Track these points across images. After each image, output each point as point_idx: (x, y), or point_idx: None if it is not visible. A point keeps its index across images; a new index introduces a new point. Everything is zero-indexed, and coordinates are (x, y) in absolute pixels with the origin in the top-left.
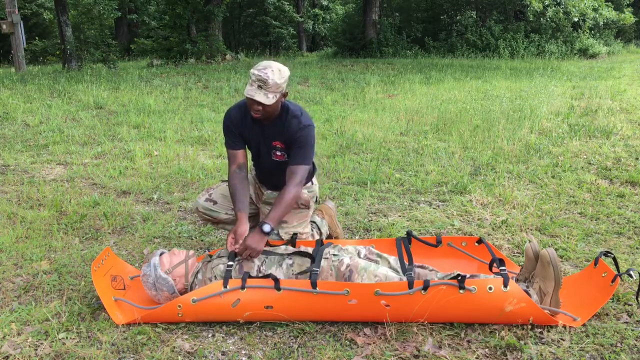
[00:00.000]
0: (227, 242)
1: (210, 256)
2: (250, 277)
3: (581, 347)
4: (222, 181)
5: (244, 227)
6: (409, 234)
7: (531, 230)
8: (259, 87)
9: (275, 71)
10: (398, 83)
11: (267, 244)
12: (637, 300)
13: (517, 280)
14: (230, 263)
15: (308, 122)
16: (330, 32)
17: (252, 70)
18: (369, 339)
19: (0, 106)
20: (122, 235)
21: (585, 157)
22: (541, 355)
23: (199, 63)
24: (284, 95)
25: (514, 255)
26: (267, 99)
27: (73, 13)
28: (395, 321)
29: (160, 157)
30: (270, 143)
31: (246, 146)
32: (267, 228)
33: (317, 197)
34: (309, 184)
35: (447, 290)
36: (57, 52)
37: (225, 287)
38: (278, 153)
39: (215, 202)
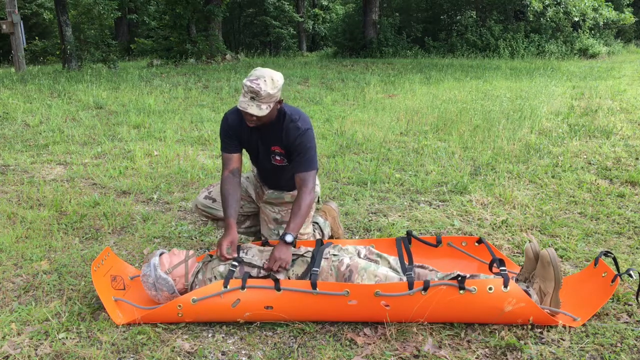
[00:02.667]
0: (221, 250)
1: (211, 256)
2: (250, 277)
3: (581, 347)
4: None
5: (236, 234)
6: (409, 233)
7: (531, 230)
8: (252, 98)
9: (268, 81)
10: (398, 83)
11: (268, 244)
12: (637, 300)
13: (517, 281)
14: (235, 263)
15: (306, 126)
16: (330, 32)
17: (244, 81)
18: (369, 339)
19: (0, 106)
20: (122, 235)
21: (585, 157)
22: (541, 355)
23: (199, 63)
24: (279, 102)
25: (514, 255)
26: (259, 110)
27: (73, 13)
28: (395, 321)
29: (160, 157)
30: (269, 148)
31: (243, 149)
32: (289, 238)
33: (318, 197)
34: None
35: (447, 290)
36: (57, 52)
37: (225, 287)
38: (277, 158)
39: (214, 200)
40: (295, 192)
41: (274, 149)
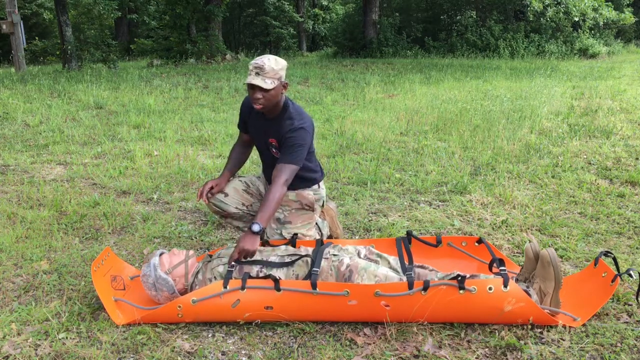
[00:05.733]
0: (203, 187)
1: (210, 256)
2: (250, 277)
3: (581, 347)
4: (233, 177)
5: (224, 183)
6: (409, 233)
7: (531, 230)
8: (257, 73)
9: (272, 59)
10: (398, 83)
11: (268, 244)
12: (637, 300)
13: (517, 280)
14: (232, 263)
15: (301, 125)
16: (330, 32)
17: (249, 63)
18: (369, 339)
19: (0, 106)
20: (122, 235)
21: (585, 157)
22: (541, 355)
23: (199, 63)
24: (284, 86)
25: (514, 255)
26: (265, 83)
27: (73, 13)
28: (395, 321)
29: (160, 157)
30: (267, 139)
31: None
32: (256, 228)
33: (323, 201)
34: (315, 186)
35: (447, 290)
36: (57, 52)
37: (225, 287)
38: (274, 150)
39: (227, 195)
40: (299, 191)
41: (271, 141)
